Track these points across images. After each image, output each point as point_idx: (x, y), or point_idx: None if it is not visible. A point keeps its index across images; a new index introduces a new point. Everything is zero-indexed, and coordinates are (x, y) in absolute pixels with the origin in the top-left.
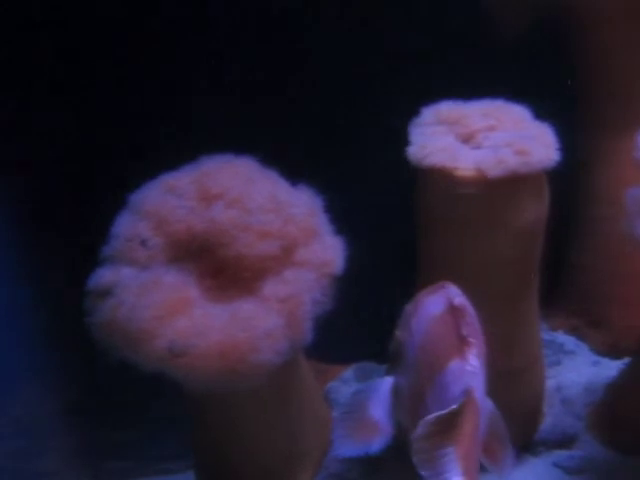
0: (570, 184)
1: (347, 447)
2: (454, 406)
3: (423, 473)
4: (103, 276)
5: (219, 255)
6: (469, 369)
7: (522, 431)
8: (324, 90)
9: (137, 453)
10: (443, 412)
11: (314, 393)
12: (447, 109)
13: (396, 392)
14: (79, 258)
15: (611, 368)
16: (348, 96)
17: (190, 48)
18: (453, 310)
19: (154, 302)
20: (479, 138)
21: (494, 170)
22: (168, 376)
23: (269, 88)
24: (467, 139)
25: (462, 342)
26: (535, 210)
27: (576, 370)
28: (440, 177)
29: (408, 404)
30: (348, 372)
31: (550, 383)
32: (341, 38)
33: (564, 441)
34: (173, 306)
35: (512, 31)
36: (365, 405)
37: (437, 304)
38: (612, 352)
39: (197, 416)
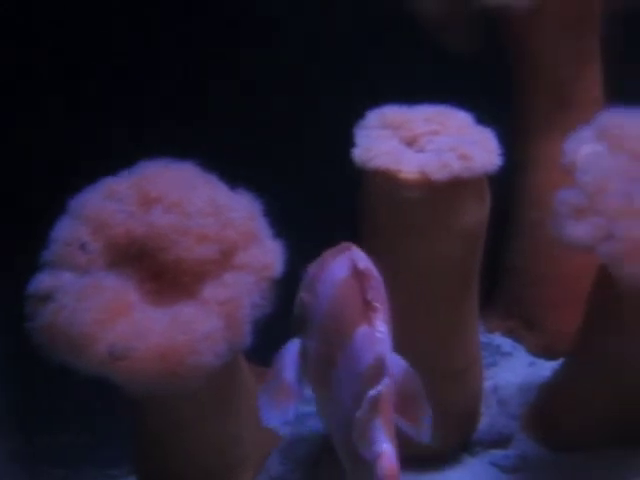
0: (505, 188)
1: (269, 416)
2: (381, 388)
3: (360, 448)
4: (43, 281)
5: (159, 259)
6: (378, 335)
7: (461, 431)
8: (265, 91)
9: (79, 458)
10: (376, 393)
11: (255, 396)
12: (392, 113)
13: (303, 354)
14: (20, 262)
15: (546, 369)
16: (291, 97)
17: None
18: (357, 274)
19: (94, 306)
20: (423, 142)
21: (438, 174)
22: (109, 379)
23: (210, 87)
24: (411, 143)
25: (368, 307)
26: (477, 213)
27: (512, 371)
28: (384, 180)
29: (315, 367)
30: None
31: (487, 384)
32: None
33: (500, 441)
34: (113, 310)
35: (452, 40)
36: (279, 369)
37: (342, 267)
38: (546, 353)
39: (137, 419)
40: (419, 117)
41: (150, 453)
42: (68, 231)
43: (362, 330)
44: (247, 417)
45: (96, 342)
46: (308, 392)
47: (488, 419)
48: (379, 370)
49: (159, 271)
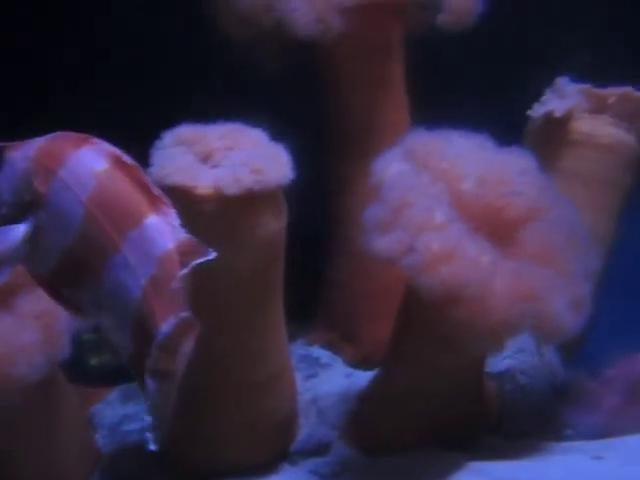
0: (326, 207)
1: None
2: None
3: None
4: None
5: None
6: (175, 224)
7: (276, 441)
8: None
9: None
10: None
11: (76, 415)
12: (187, 131)
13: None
14: None
15: (363, 379)
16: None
17: None
18: (124, 167)
19: None
20: (218, 158)
21: (231, 188)
22: None
23: None
24: (206, 159)
25: (156, 199)
26: (273, 226)
27: (331, 382)
28: (180, 196)
29: (80, 254)
30: (113, 394)
31: (306, 396)
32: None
33: (320, 449)
34: None
35: (263, 62)
36: None
37: (94, 158)
38: (363, 364)
39: None
40: (214, 134)
41: None
42: None
43: (152, 219)
44: (67, 435)
45: None
46: (129, 410)
47: (308, 429)
48: (188, 254)
49: None
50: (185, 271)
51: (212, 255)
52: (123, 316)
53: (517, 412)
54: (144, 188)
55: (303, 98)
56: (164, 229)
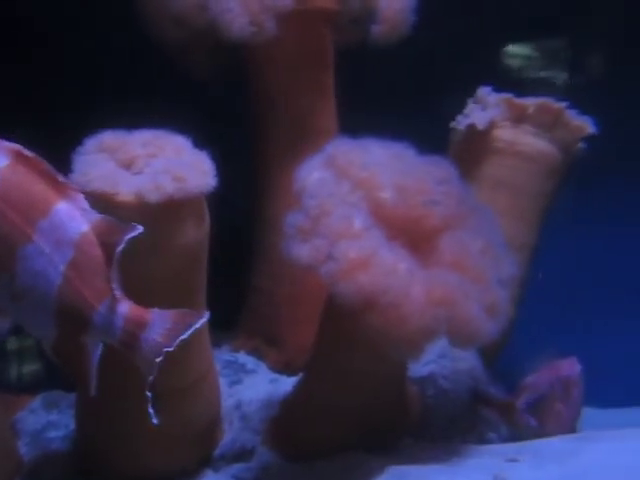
0: (250, 213)
1: None
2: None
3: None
4: None
5: None
6: (84, 207)
7: (199, 447)
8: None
9: None
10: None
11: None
12: (109, 138)
13: None
14: None
15: (287, 384)
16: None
17: None
18: (26, 160)
19: None
20: (140, 165)
21: (152, 195)
22: None
23: None
24: (129, 166)
25: (62, 187)
26: (195, 233)
27: (255, 388)
28: (102, 203)
29: None
30: (36, 402)
31: (230, 401)
32: None
33: (243, 455)
34: None
35: (194, 67)
36: None
37: None
38: (287, 369)
39: None
40: (137, 141)
41: None
42: None
43: (61, 205)
44: None
45: None
46: (53, 417)
47: (231, 435)
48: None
49: None
50: (120, 247)
51: (140, 230)
52: (43, 305)
53: (439, 416)
54: (49, 178)
55: (234, 100)
56: (74, 213)
